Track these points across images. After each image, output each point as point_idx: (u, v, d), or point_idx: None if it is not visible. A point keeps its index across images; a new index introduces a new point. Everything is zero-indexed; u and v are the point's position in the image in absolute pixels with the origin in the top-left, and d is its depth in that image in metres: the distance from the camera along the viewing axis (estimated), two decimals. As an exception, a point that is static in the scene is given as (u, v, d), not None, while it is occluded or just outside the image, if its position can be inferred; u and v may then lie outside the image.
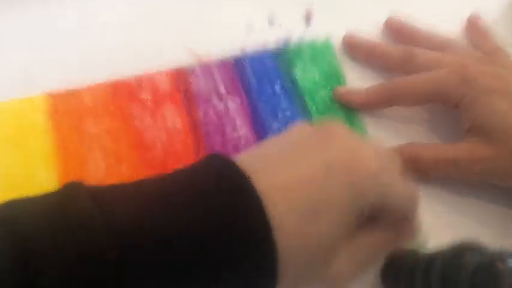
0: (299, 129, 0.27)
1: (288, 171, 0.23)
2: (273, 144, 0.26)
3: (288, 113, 0.36)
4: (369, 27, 0.40)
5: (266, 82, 0.37)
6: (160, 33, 0.39)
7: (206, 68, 0.38)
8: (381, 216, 0.26)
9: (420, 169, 0.33)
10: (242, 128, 0.35)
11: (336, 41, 0.40)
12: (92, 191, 0.20)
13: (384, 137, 0.36)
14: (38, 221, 0.19)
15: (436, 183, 0.34)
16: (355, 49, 0.39)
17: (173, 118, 0.35)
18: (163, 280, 0.19)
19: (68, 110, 0.35)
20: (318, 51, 0.39)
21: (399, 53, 0.37)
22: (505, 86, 0.31)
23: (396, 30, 0.40)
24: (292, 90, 0.37)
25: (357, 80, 0.38)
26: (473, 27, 0.41)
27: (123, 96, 0.36)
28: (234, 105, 0.36)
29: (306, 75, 0.38)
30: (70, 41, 0.38)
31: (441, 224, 0.32)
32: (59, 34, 0.39)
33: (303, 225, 0.22)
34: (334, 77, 0.38)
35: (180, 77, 0.37)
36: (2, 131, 0.34)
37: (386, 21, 0.41)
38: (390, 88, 0.35)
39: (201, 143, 0.34)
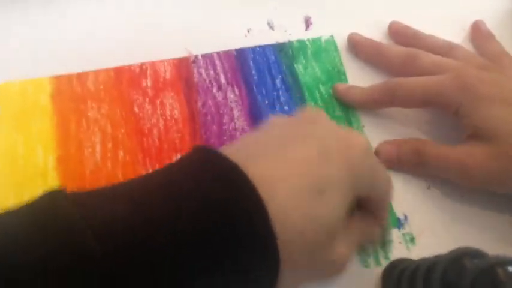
0: (278, 120, 0.27)
1: (281, 157, 0.23)
2: (257, 136, 0.26)
3: (286, 107, 0.36)
4: (369, 31, 0.40)
5: (267, 75, 0.38)
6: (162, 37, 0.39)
7: (209, 58, 0.38)
8: (364, 204, 0.27)
9: (422, 162, 0.33)
10: (239, 119, 0.36)
11: (338, 40, 0.40)
12: (74, 197, 0.20)
13: (381, 136, 0.36)
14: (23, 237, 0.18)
15: (437, 189, 0.34)
16: (360, 48, 0.39)
17: (172, 106, 0.36)
18: (149, 278, 0.19)
19: (70, 93, 0.36)
20: (321, 48, 0.39)
21: (402, 54, 0.37)
22: (504, 95, 0.31)
23: (400, 34, 0.40)
24: (293, 85, 0.37)
25: (359, 79, 0.38)
26: (478, 32, 0.40)
27: (125, 82, 0.36)
28: (233, 96, 0.37)
29: (307, 70, 0.38)
30: (80, 31, 0.39)
31: (441, 231, 0.33)
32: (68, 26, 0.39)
33: (305, 207, 0.22)
34: (335, 75, 0.38)
35: (183, 66, 0.37)
36: (7, 109, 0.35)
37: (390, 25, 0.41)
38: (389, 89, 0.34)
39: (197, 132, 0.35)
